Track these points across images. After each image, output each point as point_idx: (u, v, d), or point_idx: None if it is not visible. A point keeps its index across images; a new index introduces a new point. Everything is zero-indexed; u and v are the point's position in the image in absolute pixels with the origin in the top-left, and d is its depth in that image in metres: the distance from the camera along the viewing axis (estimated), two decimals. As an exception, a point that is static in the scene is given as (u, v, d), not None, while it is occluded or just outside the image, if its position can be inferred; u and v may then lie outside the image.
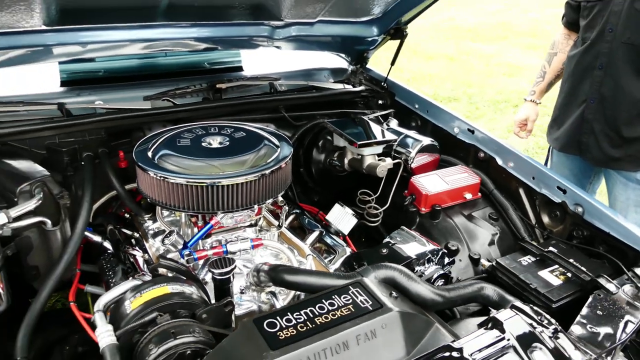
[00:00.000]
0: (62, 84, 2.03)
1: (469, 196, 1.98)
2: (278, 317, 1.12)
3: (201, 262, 1.54)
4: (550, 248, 1.68)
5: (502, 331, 1.20)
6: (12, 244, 1.50)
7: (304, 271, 1.38)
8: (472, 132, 2.11)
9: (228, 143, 1.67)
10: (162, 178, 1.48)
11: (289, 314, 1.13)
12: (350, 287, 1.22)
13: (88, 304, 1.69)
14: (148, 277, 1.36)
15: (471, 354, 1.13)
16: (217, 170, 1.53)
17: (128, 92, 2.02)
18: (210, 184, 1.47)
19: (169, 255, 1.53)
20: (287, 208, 1.77)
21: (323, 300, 1.18)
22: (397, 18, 2.20)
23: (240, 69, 2.39)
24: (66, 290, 1.63)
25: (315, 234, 1.77)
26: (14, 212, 1.43)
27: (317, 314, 1.14)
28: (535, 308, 1.28)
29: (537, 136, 5.04)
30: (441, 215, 1.92)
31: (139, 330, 1.16)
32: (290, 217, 1.89)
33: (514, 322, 1.23)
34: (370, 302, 1.18)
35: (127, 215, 1.88)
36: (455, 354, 1.13)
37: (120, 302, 1.22)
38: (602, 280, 1.47)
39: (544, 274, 1.58)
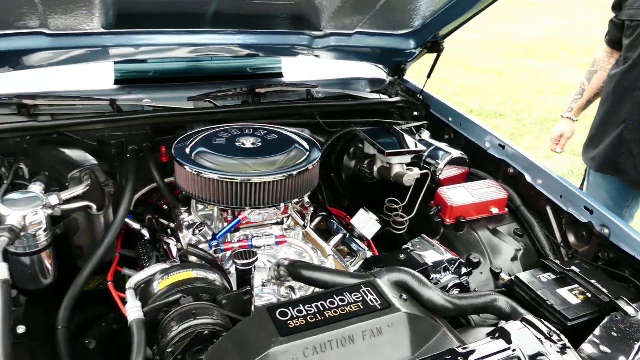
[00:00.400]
0: (116, 82, 2.20)
1: (495, 211, 2.00)
2: (290, 307, 1.19)
3: (228, 253, 1.64)
4: (573, 267, 1.68)
5: (509, 342, 1.23)
6: (62, 224, 1.66)
7: (320, 268, 1.45)
8: (503, 147, 2.12)
9: (260, 144, 1.76)
10: (197, 173, 1.59)
11: (300, 305, 1.20)
12: (362, 286, 1.28)
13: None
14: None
15: (477, 360, 1.17)
16: (248, 168, 1.63)
17: (174, 93, 2.16)
18: (241, 181, 1.57)
19: (200, 246, 1.64)
20: (312, 209, 1.85)
21: (334, 296, 1.24)
22: (434, 32, 2.24)
23: (280, 75, 2.50)
24: (107, 272, 1.78)
25: (339, 236, 1.84)
26: (65, 195, 1.58)
27: (327, 307, 1.20)
28: (546, 323, 1.30)
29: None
30: (465, 228, 1.95)
31: (164, 309, 1.26)
32: (317, 219, 1.97)
33: (522, 335, 1.26)
34: (380, 302, 1.24)
35: (165, 207, 2.00)
36: (459, 358, 1.17)
37: (150, 283, 1.33)
38: (621, 303, 1.47)
39: (563, 292, 1.58)
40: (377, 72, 2.66)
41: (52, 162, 1.78)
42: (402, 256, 1.57)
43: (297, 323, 1.15)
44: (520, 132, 6.19)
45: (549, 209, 1.93)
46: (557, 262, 1.69)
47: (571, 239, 1.87)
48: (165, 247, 1.76)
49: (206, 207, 1.88)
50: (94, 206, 1.69)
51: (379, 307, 1.22)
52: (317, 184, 2.23)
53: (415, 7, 2.08)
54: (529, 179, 2.00)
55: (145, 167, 1.90)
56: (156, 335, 1.25)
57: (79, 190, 1.63)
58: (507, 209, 2.03)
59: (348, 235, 1.86)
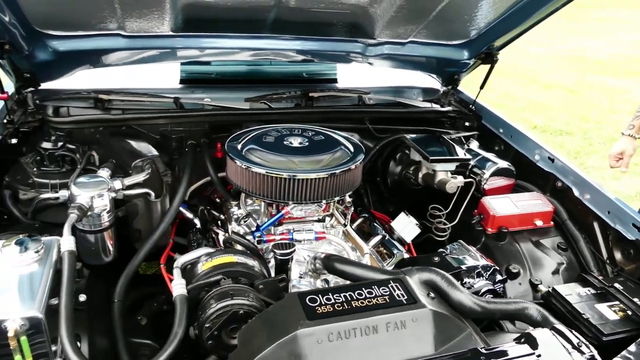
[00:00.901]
0: (181, 81, 2.37)
1: (539, 223, 1.98)
2: (319, 295, 1.26)
3: (270, 245, 1.74)
4: (616, 284, 1.64)
5: (534, 347, 1.24)
6: (123, 207, 1.82)
7: (353, 262, 1.51)
8: (552, 160, 2.09)
9: (307, 144, 1.86)
10: (246, 167, 1.70)
11: (329, 294, 1.27)
12: (391, 281, 1.33)
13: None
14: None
15: (499, 363, 1.19)
16: (293, 165, 1.72)
17: (233, 93, 2.30)
18: (286, 177, 1.66)
19: (245, 236, 1.75)
20: (352, 209, 1.91)
21: (363, 288, 1.30)
22: (488, 43, 2.25)
23: (335, 81, 2.59)
24: (161, 257, 1.92)
25: (378, 237, 1.89)
26: (127, 181, 1.74)
27: (354, 298, 1.26)
28: (576, 334, 1.30)
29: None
30: (507, 238, 1.94)
31: (205, 288, 1.37)
32: (359, 220, 2.04)
33: (549, 342, 1.26)
34: (406, 297, 1.28)
35: (217, 200, 2.14)
36: (482, 358, 1.20)
37: (195, 264, 1.45)
38: (661, 322, 1.43)
39: (602, 307, 1.56)
40: (431, 81, 2.69)
41: (119, 151, 1.96)
42: (436, 258, 1.61)
43: (324, 309, 1.22)
44: (587, 150, 5.93)
45: (595, 225, 1.89)
46: (599, 277, 1.65)
47: (617, 256, 1.82)
48: (214, 236, 1.88)
49: (254, 202, 1.99)
50: (153, 193, 1.84)
51: (405, 302, 1.27)
52: (363, 187, 2.31)
53: (470, 17, 2.10)
54: (576, 193, 1.97)
55: (201, 161, 2.04)
56: (197, 312, 1.36)
57: (140, 177, 1.79)
58: (552, 223, 2.00)
59: (387, 237, 1.91)
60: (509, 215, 1.96)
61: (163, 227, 1.81)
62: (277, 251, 1.49)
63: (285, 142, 1.85)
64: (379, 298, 1.28)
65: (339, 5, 1.97)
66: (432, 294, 1.33)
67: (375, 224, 2.03)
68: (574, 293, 1.61)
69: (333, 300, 1.25)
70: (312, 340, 1.16)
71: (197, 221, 1.97)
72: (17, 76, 1.96)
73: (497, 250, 1.92)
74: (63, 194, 1.73)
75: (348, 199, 1.88)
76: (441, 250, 1.70)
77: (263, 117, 2.19)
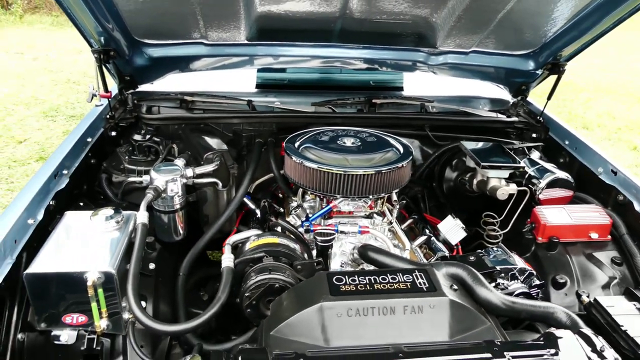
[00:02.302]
0: (257, 86, 2.62)
1: (594, 236, 1.93)
2: (346, 276, 1.38)
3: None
4: (667, 302, 1.58)
5: (553, 347, 1.26)
6: (194, 193, 2.07)
7: (386, 253, 1.60)
8: (615, 173, 2.03)
9: (359, 144, 1.99)
10: (300, 162, 1.86)
11: (355, 275, 1.39)
12: (416, 270, 1.42)
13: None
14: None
15: (512, 357, 1.22)
16: (344, 162, 1.86)
17: (301, 98, 2.49)
18: (334, 172, 1.80)
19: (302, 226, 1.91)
20: (398, 207, 2.00)
21: (387, 274, 1.40)
22: (554, 53, 2.24)
23: (401, 89, 2.69)
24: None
25: (423, 237, 1.96)
26: (198, 170, 1.98)
27: (378, 282, 1.37)
28: (602, 340, 1.29)
29: None
30: (558, 248, 1.92)
31: (250, 263, 1.55)
32: (409, 221, 2.12)
33: (570, 344, 1.28)
34: (427, 285, 1.36)
35: (280, 195, 2.33)
36: (495, 349, 1.24)
37: (244, 242, 1.64)
38: None
39: (644, 322, 1.51)
40: (500, 92, 2.69)
41: (196, 145, 2.22)
42: (472, 258, 1.65)
43: (347, 288, 1.34)
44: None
45: (656, 241, 1.81)
46: (647, 292, 1.60)
47: (676, 275, 1.73)
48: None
49: (311, 198, 2.15)
50: (220, 183, 2.07)
51: (425, 289, 1.35)
52: (421, 192, 2.38)
53: (532, 27, 2.12)
54: (637, 207, 1.90)
55: (267, 158, 2.24)
56: (241, 284, 1.54)
57: (209, 168, 2.03)
58: (610, 236, 1.94)
59: (432, 238, 1.97)
60: (561, 226, 1.93)
61: (228, 214, 2.02)
62: (319, 238, 1.63)
63: (338, 142, 1.99)
64: (401, 284, 1.37)
65: (400, 16, 2.08)
66: (455, 286, 1.39)
67: (423, 226, 2.09)
68: (616, 305, 1.57)
69: (357, 282, 1.37)
70: (332, 313, 1.28)
71: (258, 212, 2.17)
72: (120, 78, 2.29)
73: (546, 260, 1.90)
74: (145, 178, 2.01)
75: (394, 197, 1.97)
76: (479, 251, 1.74)
77: (326, 121, 2.35)
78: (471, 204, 2.32)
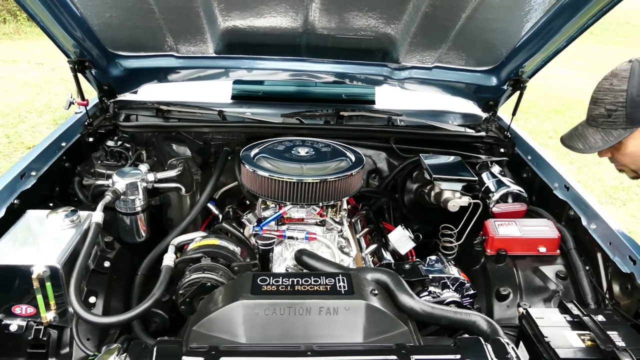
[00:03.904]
0: (232, 97, 2.72)
1: (543, 250, 1.95)
2: (271, 277, 1.44)
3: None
4: (599, 316, 1.59)
5: (460, 353, 1.29)
6: (157, 197, 2.16)
7: (317, 257, 1.66)
8: (568, 188, 2.05)
9: (313, 153, 2.06)
10: (252, 171, 1.94)
11: (280, 277, 1.45)
12: (340, 274, 1.47)
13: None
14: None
15: (416, 359, 1.26)
16: (294, 171, 1.93)
17: (272, 109, 2.57)
18: (284, 180, 1.87)
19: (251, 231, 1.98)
20: (345, 215, 2.06)
21: (311, 277, 1.46)
22: (515, 70, 2.28)
23: (372, 102, 2.76)
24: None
25: (373, 246, 2.01)
26: (160, 175, 2.08)
27: (300, 283, 1.43)
28: (516, 350, 1.33)
29: None
30: (506, 261, 1.95)
31: (190, 263, 1.63)
32: (365, 230, 2.17)
33: (477, 349, 1.31)
34: (346, 289, 1.41)
35: (247, 202, 2.41)
36: (403, 351, 1.29)
37: (189, 244, 1.71)
38: (622, 354, 1.38)
39: (571, 334, 1.53)
40: (473, 107, 2.73)
41: (164, 152, 2.32)
42: (407, 266, 1.70)
43: (269, 288, 1.40)
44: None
45: (599, 256, 1.83)
46: (578, 306, 1.61)
47: (616, 289, 1.74)
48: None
49: (273, 206, 2.21)
50: (183, 188, 2.16)
51: (343, 292, 1.40)
52: (387, 203, 2.43)
53: (489, 44, 2.17)
54: (584, 222, 1.92)
55: (233, 166, 2.33)
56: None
57: (172, 173, 2.12)
58: (559, 251, 1.96)
59: (382, 247, 2.02)
60: (509, 239, 1.96)
61: (190, 218, 2.11)
62: (259, 242, 1.70)
63: (292, 152, 2.07)
64: (321, 286, 1.42)
65: (361, 32, 2.16)
66: (375, 291, 1.44)
67: (376, 235, 2.14)
68: (546, 317, 1.59)
69: (280, 283, 1.43)
70: (250, 310, 1.34)
71: (220, 217, 2.25)
72: (98, 87, 2.42)
73: (494, 272, 1.93)
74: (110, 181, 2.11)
75: (345, 205, 2.03)
76: (417, 260, 1.78)
77: (294, 132, 2.43)
78: (431, 215, 2.36)
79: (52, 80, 7.83)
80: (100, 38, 2.12)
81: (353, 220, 2.29)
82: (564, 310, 1.64)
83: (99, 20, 2.00)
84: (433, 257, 1.81)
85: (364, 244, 2.15)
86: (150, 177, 2.04)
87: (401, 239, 2.00)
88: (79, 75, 2.23)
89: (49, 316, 1.55)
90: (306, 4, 1.98)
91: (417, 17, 1.98)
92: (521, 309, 1.72)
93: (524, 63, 2.22)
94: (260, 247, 1.71)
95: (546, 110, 8.41)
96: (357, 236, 2.13)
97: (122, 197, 1.93)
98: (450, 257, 2.11)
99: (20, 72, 8.09)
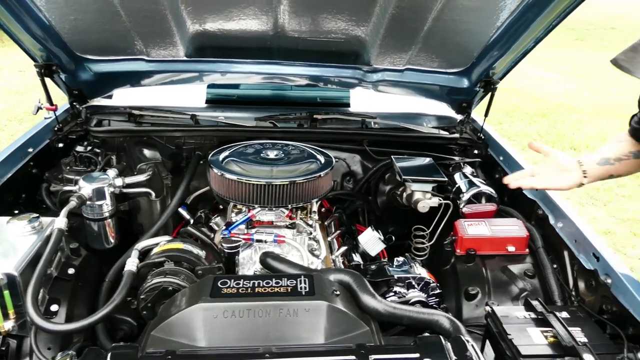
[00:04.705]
0: (206, 101, 2.71)
1: (511, 249, 1.96)
2: (232, 280, 1.43)
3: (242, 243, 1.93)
4: (563, 313, 1.59)
5: (420, 352, 1.29)
6: (126, 202, 2.14)
7: (281, 259, 1.65)
8: (537, 189, 2.06)
9: (282, 156, 2.05)
10: (220, 174, 1.93)
11: (241, 279, 1.44)
12: (302, 276, 1.46)
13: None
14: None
15: (375, 359, 1.25)
16: (262, 173, 1.92)
17: (246, 113, 2.57)
18: (252, 183, 1.86)
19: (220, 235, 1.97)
20: (316, 218, 2.05)
21: (273, 279, 1.44)
22: (486, 71, 2.30)
23: (347, 105, 2.76)
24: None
25: (343, 249, 2.01)
26: (128, 180, 2.06)
27: (261, 285, 1.42)
28: (476, 348, 1.33)
29: None
30: (475, 261, 1.95)
31: (153, 267, 1.61)
32: (336, 233, 2.17)
33: (436, 348, 1.30)
34: (307, 290, 1.41)
35: (221, 207, 2.39)
36: (362, 351, 1.28)
37: (152, 248, 1.70)
38: (582, 350, 1.39)
39: (534, 331, 1.53)
40: (447, 110, 2.74)
41: (135, 157, 2.30)
42: (373, 267, 1.69)
43: (229, 291, 1.39)
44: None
45: (566, 254, 1.84)
46: (542, 303, 1.61)
47: (581, 286, 1.75)
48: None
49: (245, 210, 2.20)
50: (153, 193, 2.15)
51: (303, 293, 1.39)
52: (361, 206, 2.42)
53: (459, 45, 2.19)
54: (552, 221, 1.93)
55: (205, 171, 2.31)
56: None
57: (141, 178, 2.10)
58: (527, 250, 1.97)
59: (352, 249, 2.02)
60: (478, 238, 1.96)
61: (160, 223, 2.09)
62: (225, 244, 1.69)
63: (262, 155, 2.06)
64: (282, 287, 1.41)
65: (332, 35, 2.17)
66: (337, 291, 1.43)
67: (347, 237, 2.14)
68: (511, 315, 1.59)
69: (241, 285, 1.41)
70: (208, 314, 1.33)
71: (192, 222, 2.23)
72: (68, 92, 2.40)
73: (463, 272, 1.93)
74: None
75: (315, 207, 2.03)
76: (384, 261, 1.78)
77: (268, 135, 2.42)
78: (404, 217, 2.36)
79: (33, 88, 7.75)
80: (67, 42, 2.10)
81: (326, 223, 2.29)
82: (528, 307, 1.64)
83: (64, 24, 1.98)
84: (400, 258, 1.80)
85: (336, 246, 2.14)
86: (119, 182, 2.02)
87: (371, 240, 1.99)
88: (47, 79, 2.21)
89: (7, 325, 1.52)
90: (275, 6, 1.98)
91: (384, 19, 1.99)
92: (488, 308, 1.73)
93: (493, 64, 2.24)
94: (226, 251, 1.70)
95: (531, 113, 8.48)
96: (329, 238, 2.12)
97: (88, 202, 1.91)
98: (422, 258, 2.13)
99: (2, 80, 8.03)
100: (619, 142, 1.78)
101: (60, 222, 1.70)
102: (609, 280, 1.59)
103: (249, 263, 1.86)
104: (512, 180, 1.82)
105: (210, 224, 2.01)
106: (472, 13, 1.95)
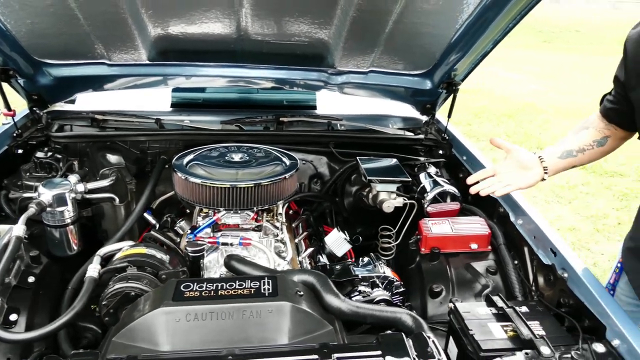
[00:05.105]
0: (172, 105, 2.69)
1: (474, 246, 2.00)
2: (195, 283, 1.43)
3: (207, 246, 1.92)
4: (523, 308, 1.64)
5: (382, 349, 1.31)
6: (89, 208, 2.11)
7: (247, 262, 1.65)
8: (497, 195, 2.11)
9: (247, 158, 2.05)
10: (184, 178, 1.92)
11: (204, 282, 1.43)
12: (265, 277, 1.47)
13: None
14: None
15: (338, 357, 1.27)
16: (227, 176, 1.92)
17: (211, 116, 2.56)
18: (217, 186, 1.86)
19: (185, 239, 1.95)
20: (283, 220, 2.06)
21: (236, 281, 1.44)
22: (447, 73, 2.34)
23: (314, 108, 2.78)
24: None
25: (310, 250, 2.02)
26: (90, 185, 2.03)
27: (224, 288, 1.41)
28: (437, 343, 1.35)
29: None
30: (440, 259, 1.98)
31: (115, 273, 1.59)
32: (304, 234, 2.17)
33: (398, 345, 1.32)
34: (271, 291, 1.41)
35: (188, 211, 2.37)
36: (325, 350, 1.29)
37: (115, 254, 1.68)
38: (539, 342, 1.43)
39: (494, 326, 1.56)
40: (412, 111, 2.78)
41: (98, 162, 2.27)
42: (338, 267, 1.71)
43: (192, 294, 1.38)
44: (637, 193, 5.57)
45: (525, 250, 1.89)
46: (503, 299, 1.65)
47: (540, 281, 1.80)
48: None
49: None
50: (117, 198, 2.12)
51: (267, 295, 1.39)
52: (329, 207, 2.44)
53: (420, 48, 2.22)
54: (512, 218, 1.98)
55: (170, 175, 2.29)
56: (101, 293, 1.57)
57: (104, 183, 2.07)
58: (490, 247, 2.01)
59: (319, 251, 2.03)
60: (442, 237, 2.00)
61: (125, 229, 2.06)
62: (189, 248, 1.68)
63: (226, 158, 2.06)
64: (245, 289, 1.41)
65: (295, 38, 2.17)
66: (301, 292, 1.44)
67: (314, 239, 2.15)
68: (472, 311, 1.63)
69: (204, 288, 1.41)
70: (171, 317, 1.32)
71: (157, 226, 2.21)
72: (27, 97, 2.35)
73: (427, 270, 1.96)
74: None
75: (280, 210, 2.04)
76: (349, 261, 1.79)
77: (234, 138, 2.41)
78: (371, 217, 2.38)
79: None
80: (25, 46, 2.06)
81: (294, 225, 2.29)
82: (490, 303, 1.68)
83: (20, 28, 1.94)
84: (365, 258, 1.82)
85: (303, 248, 2.15)
86: (80, 187, 1.99)
87: (337, 241, 2.01)
88: (4, 84, 2.16)
89: (-37, 336, 1.48)
90: (236, 10, 1.98)
91: (346, 22, 2.01)
92: (451, 305, 1.76)
93: (454, 66, 2.28)
94: (190, 254, 1.69)
95: (499, 114, 8.67)
96: (297, 240, 2.13)
97: (48, 209, 1.87)
98: (389, 258, 2.15)
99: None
100: (583, 129, 1.82)
101: (18, 229, 1.66)
102: (565, 275, 1.64)
103: (215, 266, 1.85)
104: (472, 181, 1.84)
105: (176, 228, 1.99)
106: (431, 16, 1.99)
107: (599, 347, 1.43)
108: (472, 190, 1.81)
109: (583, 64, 12.64)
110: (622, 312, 1.46)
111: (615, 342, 1.41)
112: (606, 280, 2.02)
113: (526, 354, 1.40)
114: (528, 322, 1.53)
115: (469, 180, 1.85)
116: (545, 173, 1.76)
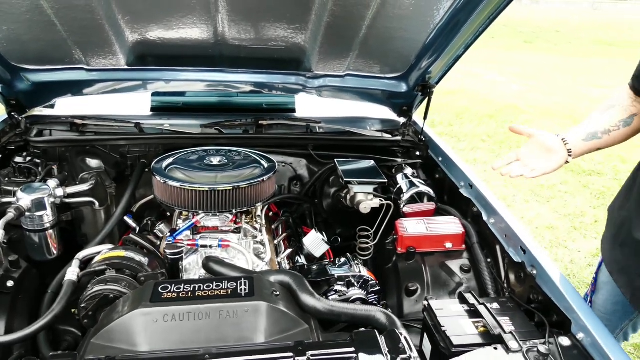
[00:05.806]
0: (152, 109, 2.70)
1: (449, 245, 2.05)
2: (173, 284, 1.45)
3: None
4: (494, 304, 1.69)
5: (355, 346, 1.35)
6: (69, 212, 2.12)
7: (225, 263, 1.68)
8: (471, 186, 2.17)
9: (226, 161, 2.08)
10: (163, 182, 1.94)
11: (181, 284, 1.46)
12: (242, 278, 1.50)
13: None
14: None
15: (312, 355, 1.30)
16: (205, 179, 1.95)
17: (191, 120, 2.58)
18: (195, 189, 1.88)
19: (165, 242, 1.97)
20: (262, 222, 2.09)
21: (213, 282, 1.47)
22: (422, 76, 2.39)
23: (292, 111, 2.82)
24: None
25: (288, 251, 2.06)
26: (70, 190, 2.04)
27: (201, 289, 1.44)
28: (409, 339, 1.39)
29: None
30: (415, 258, 2.03)
31: (94, 276, 1.61)
32: (283, 235, 2.21)
33: (371, 342, 1.37)
34: (247, 291, 1.44)
35: (168, 214, 2.39)
36: (300, 348, 1.33)
37: (94, 257, 1.69)
38: (507, 337, 1.48)
39: (466, 322, 1.61)
40: (390, 113, 2.84)
41: (77, 167, 2.28)
42: (315, 267, 1.75)
43: (169, 295, 1.41)
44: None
45: (498, 248, 1.94)
46: (475, 296, 1.71)
47: (512, 278, 1.86)
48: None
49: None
50: (97, 202, 2.13)
51: (243, 295, 1.43)
52: (309, 209, 2.47)
53: (394, 51, 2.27)
54: (485, 217, 2.04)
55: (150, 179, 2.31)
56: (80, 297, 1.59)
57: (83, 187, 2.09)
58: (464, 245, 2.07)
59: (298, 252, 2.07)
60: (417, 236, 2.05)
61: (105, 232, 2.07)
62: (168, 251, 1.70)
63: (205, 161, 2.08)
64: (222, 290, 1.45)
65: (272, 42, 2.21)
66: (277, 292, 1.47)
67: (293, 240, 2.18)
68: (445, 308, 1.68)
69: (182, 289, 1.44)
70: (148, 319, 1.34)
71: (137, 230, 2.22)
72: (5, 102, 2.35)
73: (403, 269, 2.01)
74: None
75: (258, 212, 2.07)
76: (326, 261, 1.83)
77: (214, 142, 2.44)
78: (349, 218, 2.42)
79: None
80: (1, 51, 2.06)
81: (273, 227, 2.33)
82: (462, 300, 1.73)
83: (-3, 33, 1.95)
84: (342, 259, 1.87)
85: (283, 249, 2.19)
86: (59, 192, 2.00)
87: (315, 242, 2.05)
88: None
89: (-58, 341, 1.49)
90: (213, 15, 2.01)
91: (321, 26, 2.05)
92: (425, 303, 1.81)
93: (429, 69, 2.34)
94: (169, 257, 1.71)
95: (480, 115, 8.79)
96: (276, 241, 2.16)
97: (27, 213, 1.88)
98: (367, 258, 2.20)
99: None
100: (609, 107, 1.76)
101: None
102: (534, 272, 1.70)
103: (194, 269, 1.88)
104: (498, 166, 1.80)
105: (155, 231, 2.01)
106: (404, 21, 2.04)
107: (565, 341, 1.49)
108: (503, 173, 1.77)
109: (563, 65, 12.90)
110: (586, 307, 1.52)
111: (580, 336, 1.47)
112: (583, 283, 2.08)
113: (495, 348, 1.45)
114: (498, 318, 1.59)
115: (495, 166, 1.82)
116: (569, 155, 1.73)
